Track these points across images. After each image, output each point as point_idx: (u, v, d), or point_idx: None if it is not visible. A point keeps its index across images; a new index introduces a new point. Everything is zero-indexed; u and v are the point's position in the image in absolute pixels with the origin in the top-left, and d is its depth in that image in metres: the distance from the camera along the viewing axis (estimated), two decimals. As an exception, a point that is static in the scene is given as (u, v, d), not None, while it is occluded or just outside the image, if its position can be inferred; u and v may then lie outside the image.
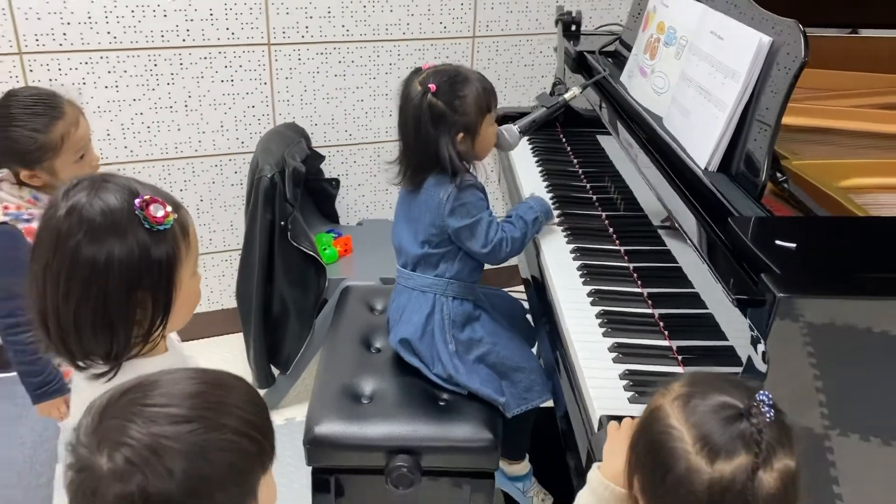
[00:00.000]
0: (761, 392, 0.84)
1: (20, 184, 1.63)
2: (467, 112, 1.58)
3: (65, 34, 2.22)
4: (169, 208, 0.99)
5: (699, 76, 1.47)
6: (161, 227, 0.98)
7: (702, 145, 1.39)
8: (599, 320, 1.42)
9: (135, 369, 0.98)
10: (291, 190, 2.17)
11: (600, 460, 1.07)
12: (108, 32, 2.26)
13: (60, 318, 0.97)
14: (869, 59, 1.95)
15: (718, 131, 1.35)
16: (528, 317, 1.86)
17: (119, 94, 2.35)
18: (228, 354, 2.62)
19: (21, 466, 2.20)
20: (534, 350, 1.75)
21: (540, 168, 2.08)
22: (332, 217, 2.62)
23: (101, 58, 2.28)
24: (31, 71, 2.23)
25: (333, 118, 2.61)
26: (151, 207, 0.97)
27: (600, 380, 1.27)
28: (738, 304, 1.00)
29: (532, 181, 2.00)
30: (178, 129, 2.45)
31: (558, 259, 1.64)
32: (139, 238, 0.97)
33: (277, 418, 2.38)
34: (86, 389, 1.08)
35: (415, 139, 1.58)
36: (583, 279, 1.56)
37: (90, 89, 2.31)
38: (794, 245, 1.07)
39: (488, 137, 1.66)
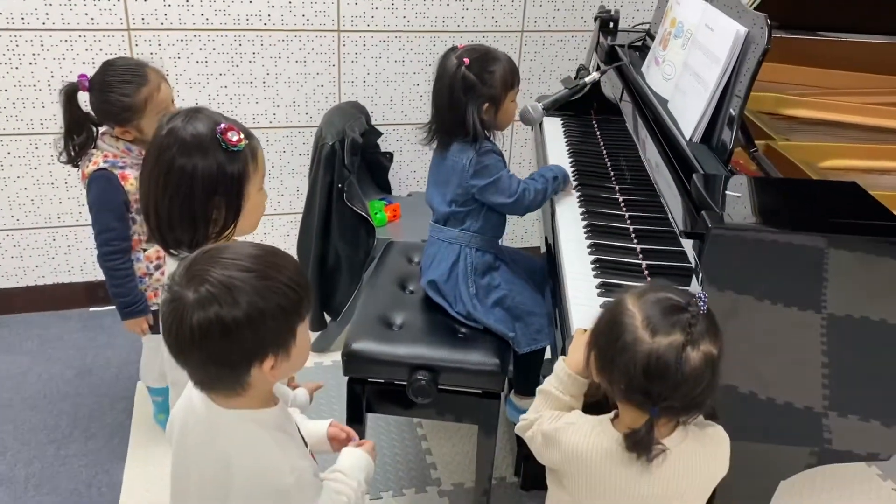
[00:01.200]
0: (700, 292, 1.09)
1: (116, 138, 1.98)
2: (494, 85, 1.84)
3: (166, 14, 2.59)
4: (242, 135, 1.30)
5: (695, 63, 1.70)
6: (235, 149, 1.29)
7: (691, 120, 1.63)
8: (593, 264, 1.67)
9: None
10: (349, 157, 2.48)
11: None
12: (202, 14, 2.62)
13: (158, 212, 1.29)
14: (862, 61, 2.14)
15: (702, 107, 1.59)
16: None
17: (208, 69, 2.70)
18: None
19: (108, 382, 2.57)
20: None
21: (568, 147, 2.33)
22: (385, 187, 2.93)
23: (195, 36, 2.64)
24: (136, 45, 2.61)
25: (392, 99, 2.91)
26: (229, 133, 1.28)
27: (584, 307, 1.52)
28: (684, 235, 1.25)
29: (558, 155, 2.25)
30: (257, 103, 2.79)
31: (569, 218, 1.89)
32: (217, 156, 1.28)
33: (326, 360, 2.70)
34: (174, 269, 1.40)
35: (448, 105, 1.85)
36: (586, 233, 1.81)
37: (184, 63, 2.67)
38: (738, 195, 1.30)
39: (509, 111, 1.92)
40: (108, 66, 1.94)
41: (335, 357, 2.70)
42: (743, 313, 1.22)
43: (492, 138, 1.89)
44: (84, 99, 1.95)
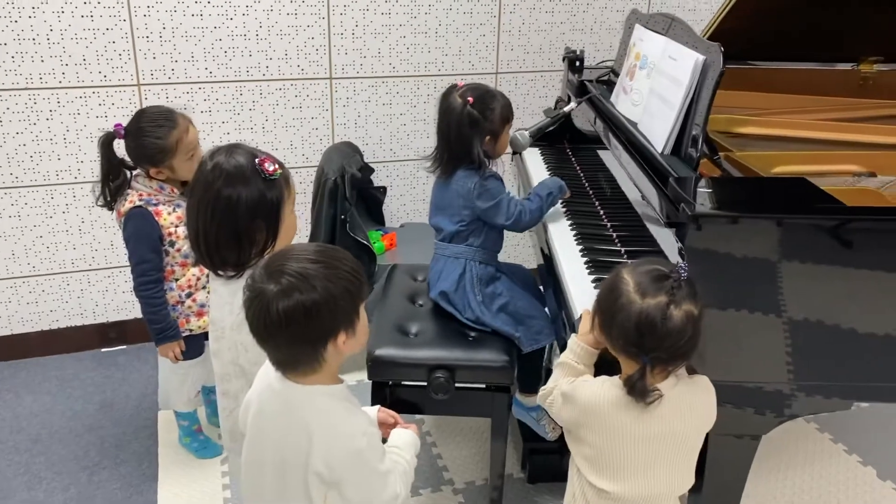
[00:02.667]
0: (681, 263, 1.34)
1: (149, 177, 2.19)
2: (494, 121, 2.10)
3: (173, 69, 2.82)
4: (276, 165, 1.52)
5: (660, 88, 1.99)
6: (272, 178, 1.51)
7: (660, 136, 1.91)
8: (586, 264, 1.92)
9: None
10: (349, 191, 2.72)
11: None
12: (206, 68, 2.85)
13: (207, 237, 1.50)
14: (798, 85, 2.48)
15: (670, 125, 1.86)
16: (540, 288, 2.36)
17: (212, 118, 2.93)
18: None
19: (130, 413, 2.72)
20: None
21: (549, 172, 2.59)
22: (379, 219, 3.16)
23: (200, 88, 2.87)
24: (146, 99, 2.82)
25: (381, 139, 3.17)
26: (266, 164, 1.51)
27: (584, 298, 1.76)
28: (668, 225, 1.51)
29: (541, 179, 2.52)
30: (256, 146, 3.01)
31: (561, 231, 2.14)
32: (258, 184, 1.50)
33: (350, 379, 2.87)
34: (220, 289, 1.61)
35: (455, 138, 2.10)
36: (576, 239, 2.06)
37: (189, 113, 2.88)
38: (708, 191, 1.57)
39: (504, 141, 2.18)
40: (141, 114, 2.16)
41: (359, 376, 2.87)
42: (720, 287, 1.47)
43: (492, 165, 2.15)
44: (119, 145, 2.16)
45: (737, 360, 1.55)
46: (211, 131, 2.94)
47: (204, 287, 2.26)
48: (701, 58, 1.80)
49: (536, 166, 2.66)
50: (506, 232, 2.22)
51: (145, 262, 2.17)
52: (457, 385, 2.02)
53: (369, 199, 3.11)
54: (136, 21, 2.71)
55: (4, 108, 2.68)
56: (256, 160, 1.52)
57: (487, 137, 2.09)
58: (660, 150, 1.88)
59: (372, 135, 3.15)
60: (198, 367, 2.39)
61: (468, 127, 2.06)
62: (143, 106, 2.81)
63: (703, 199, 1.53)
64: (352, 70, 3.04)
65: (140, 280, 2.18)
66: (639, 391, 1.32)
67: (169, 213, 2.17)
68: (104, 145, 2.14)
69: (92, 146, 2.80)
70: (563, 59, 2.87)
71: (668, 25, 2.13)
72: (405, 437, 1.49)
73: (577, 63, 2.83)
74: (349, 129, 3.12)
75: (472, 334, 2.12)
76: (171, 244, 2.19)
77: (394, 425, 1.56)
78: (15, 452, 2.50)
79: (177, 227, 2.18)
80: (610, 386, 1.39)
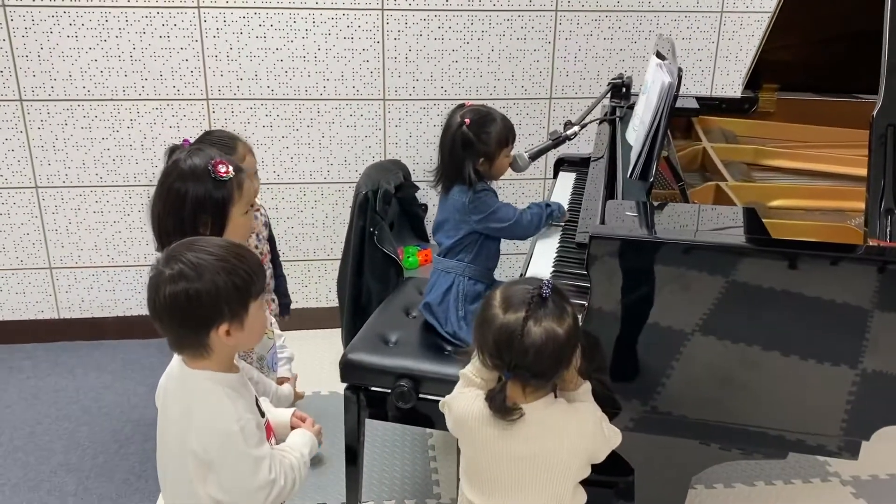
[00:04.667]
0: (546, 281, 1.33)
1: None
2: (489, 144, 2.14)
3: (238, 86, 3.07)
4: (231, 169, 1.65)
5: (642, 112, 1.95)
6: (222, 179, 1.64)
7: (633, 161, 1.87)
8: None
9: None
10: (381, 205, 2.83)
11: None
12: (268, 86, 3.09)
13: (160, 223, 1.65)
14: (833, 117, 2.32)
15: (638, 147, 1.82)
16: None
17: (272, 132, 3.16)
18: (324, 342, 3.24)
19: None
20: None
21: (572, 196, 2.57)
22: (422, 235, 3.25)
23: (262, 105, 3.11)
24: (213, 112, 3.10)
25: (432, 159, 3.25)
26: (220, 166, 1.64)
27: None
28: (578, 246, 1.49)
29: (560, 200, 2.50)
30: (313, 161, 3.22)
31: (544, 249, 2.13)
32: (207, 184, 1.64)
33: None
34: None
35: (448, 156, 2.17)
36: (553, 264, 2.04)
37: (252, 128, 3.13)
38: (634, 215, 1.53)
39: (503, 165, 2.20)
40: (206, 135, 2.27)
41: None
42: (622, 308, 1.43)
43: (490, 184, 2.18)
44: None
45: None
46: (271, 144, 3.16)
47: None
48: (667, 80, 1.75)
49: (562, 189, 2.64)
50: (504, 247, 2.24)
51: None
52: (424, 396, 2.05)
53: (413, 216, 3.21)
54: (206, 41, 3.00)
55: (93, 115, 3.04)
56: (212, 162, 1.66)
57: (481, 159, 2.13)
58: (628, 174, 1.84)
59: (423, 154, 3.26)
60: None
61: (461, 148, 2.12)
62: (211, 119, 3.09)
63: (618, 220, 1.49)
64: (404, 92, 3.16)
65: None
66: (498, 407, 1.32)
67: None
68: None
69: (165, 153, 3.11)
70: (609, 84, 2.84)
71: (670, 48, 2.08)
72: (301, 436, 1.55)
73: (624, 89, 2.79)
74: (400, 149, 3.24)
75: (449, 348, 2.15)
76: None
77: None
78: (65, 420, 2.80)
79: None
80: (479, 401, 1.39)
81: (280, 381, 1.91)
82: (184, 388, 1.41)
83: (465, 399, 1.41)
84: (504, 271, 3.25)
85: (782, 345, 1.42)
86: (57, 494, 2.44)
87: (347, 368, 2.10)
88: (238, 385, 1.45)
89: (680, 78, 1.68)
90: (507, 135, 2.18)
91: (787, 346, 1.41)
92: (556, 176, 2.83)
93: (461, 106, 2.22)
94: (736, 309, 1.40)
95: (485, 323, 1.33)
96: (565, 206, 2.46)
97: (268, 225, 2.43)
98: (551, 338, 1.29)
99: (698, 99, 2.62)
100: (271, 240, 2.47)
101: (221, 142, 2.23)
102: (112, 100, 3.03)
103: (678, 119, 2.55)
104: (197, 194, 1.65)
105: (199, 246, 1.38)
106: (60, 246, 3.20)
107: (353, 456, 2.16)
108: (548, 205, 2.23)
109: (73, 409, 2.86)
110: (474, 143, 2.13)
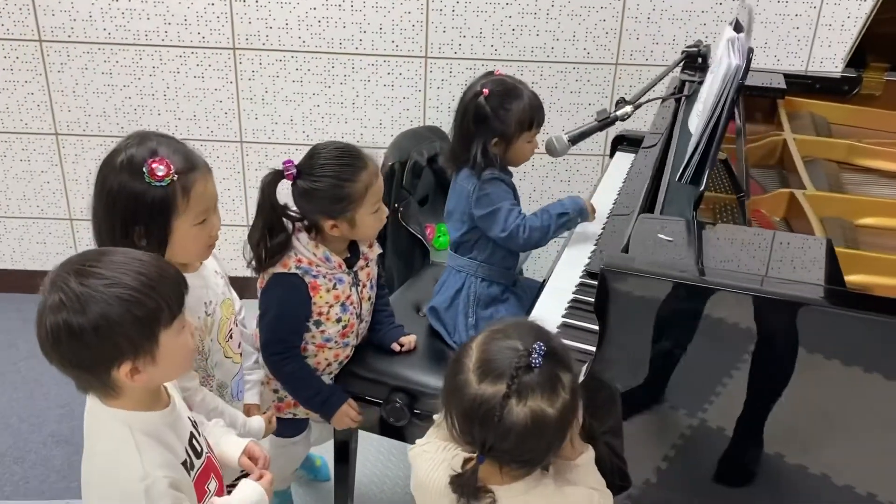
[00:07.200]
0: (538, 343, 1.01)
1: (315, 238, 1.68)
2: (507, 123, 1.79)
3: (267, 36, 2.79)
4: (172, 170, 1.30)
5: (707, 96, 1.57)
6: (156, 184, 1.29)
7: (687, 155, 1.50)
8: (570, 303, 1.57)
9: None
10: (409, 179, 2.53)
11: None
12: (300, 37, 2.80)
13: (97, 227, 1.36)
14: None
15: (694, 142, 1.45)
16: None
17: (303, 88, 2.88)
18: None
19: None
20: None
21: (623, 184, 2.21)
22: (459, 212, 2.93)
23: (292, 57, 2.83)
24: (240, 63, 2.84)
25: (476, 126, 2.92)
26: (154, 166, 1.29)
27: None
28: (589, 275, 1.16)
29: (605, 192, 2.14)
30: (346, 122, 2.93)
31: (574, 255, 1.79)
32: (137, 185, 1.30)
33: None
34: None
35: (458, 129, 1.84)
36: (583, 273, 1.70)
37: (281, 82, 2.86)
38: (670, 240, 1.18)
39: (524, 150, 1.84)
40: (319, 151, 1.69)
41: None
42: (634, 358, 1.10)
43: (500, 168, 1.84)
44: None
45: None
46: (301, 101, 2.89)
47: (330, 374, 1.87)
48: (734, 62, 1.37)
49: (616, 172, 2.27)
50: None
51: (281, 341, 1.71)
52: (420, 412, 1.78)
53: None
54: (233, -16, 2.72)
55: (114, 61, 2.82)
56: (148, 160, 1.30)
57: (495, 140, 1.79)
58: (676, 178, 1.47)
59: (467, 121, 2.92)
60: (299, 445, 1.95)
61: (472, 121, 1.79)
62: (238, 70, 2.83)
63: (642, 249, 1.15)
64: (449, 50, 2.82)
65: (273, 359, 1.72)
66: (465, 488, 1.02)
67: (327, 291, 1.69)
68: (267, 186, 1.63)
69: (189, 104, 2.88)
70: (682, 52, 2.42)
71: (748, 18, 1.67)
72: (249, 492, 1.29)
73: (700, 59, 2.38)
74: (442, 114, 2.91)
75: (456, 359, 1.85)
76: (317, 324, 1.73)
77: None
78: (68, 384, 2.66)
79: (331, 307, 1.71)
80: (444, 470, 1.10)
81: (247, 409, 1.65)
82: (90, 426, 1.18)
83: (429, 464, 1.13)
84: (528, 272, 2.88)
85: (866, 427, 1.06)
86: (41, 468, 2.31)
87: (340, 373, 1.84)
88: (160, 427, 1.18)
89: (749, 60, 1.30)
90: (533, 116, 1.82)
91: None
92: (612, 154, 2.47)
93: (489, 73, 1.88)
94: (807, 379, 1.05)
95: (454, 388, 1.03)
96: (613, 195, 2.10)
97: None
98: (538, 421, 0.98)
99: (787, 76, 2.18)
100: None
101: (346, 155, 1.66)
102: (134, 44, 2.80)
103: (760, 100, 2.13)
104: (127, 194, 1.30)
105: (92, 266, 1.08)
106: (80, 197, 3.04)
107: (344, 454, 1.93)
108: (562, 214, 1.85)
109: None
110: (489, 117, 1.78)
